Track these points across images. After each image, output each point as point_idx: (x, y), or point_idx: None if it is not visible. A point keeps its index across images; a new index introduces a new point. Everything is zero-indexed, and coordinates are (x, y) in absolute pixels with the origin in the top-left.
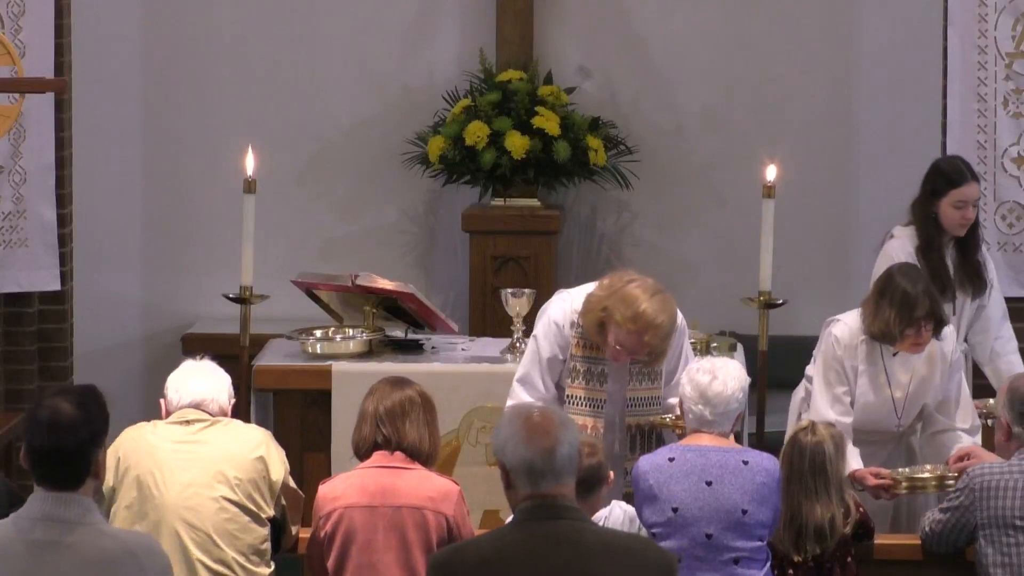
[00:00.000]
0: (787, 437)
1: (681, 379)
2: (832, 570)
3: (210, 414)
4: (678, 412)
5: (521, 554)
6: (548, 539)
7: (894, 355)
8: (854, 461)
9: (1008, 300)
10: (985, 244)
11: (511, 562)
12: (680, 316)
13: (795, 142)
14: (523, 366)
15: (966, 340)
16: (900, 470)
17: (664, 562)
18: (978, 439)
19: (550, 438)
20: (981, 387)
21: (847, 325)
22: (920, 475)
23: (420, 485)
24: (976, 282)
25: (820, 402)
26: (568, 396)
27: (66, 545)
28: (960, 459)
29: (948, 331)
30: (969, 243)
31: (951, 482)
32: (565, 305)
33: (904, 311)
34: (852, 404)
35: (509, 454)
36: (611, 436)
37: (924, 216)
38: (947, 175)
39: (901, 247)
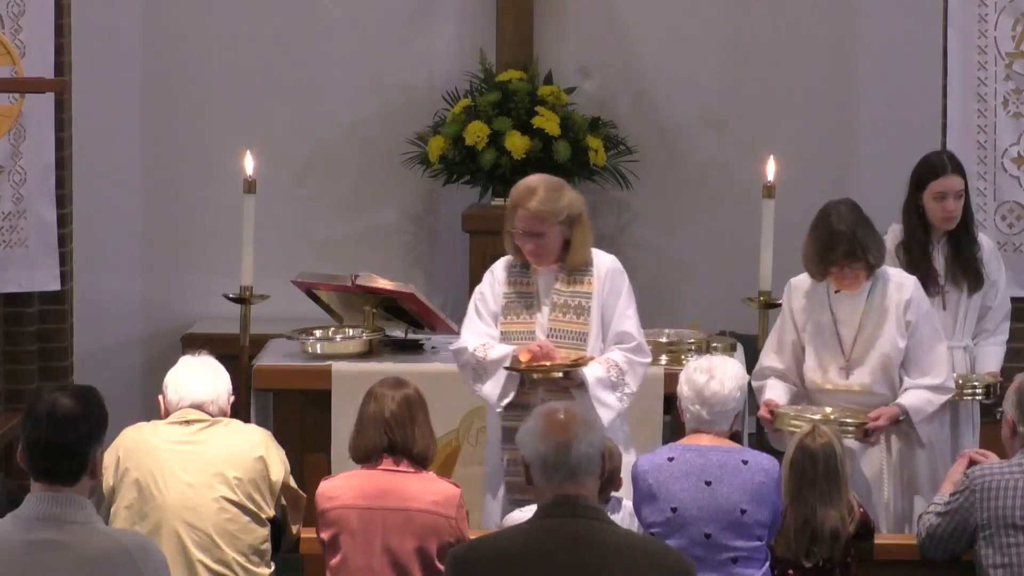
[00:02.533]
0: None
1: (679, 378)
2: (832, 571)
3: (210, 415)
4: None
5: (539, 550)
6: (567, 537)
7: (836, 292)
8: (771, 393)
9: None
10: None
11: (529, 558)
12: (617, 262)
13: (795, 142)
14: None
15: (972, 339)
16: (790, 406)
17: (682, 567)
18: (943, 398)
19: (567, 434)
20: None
21: (804, 273)
22: (807, 415)
23: (422, 488)
24: (971, 276)
25: (767, 346)
26: (502, 332)
27: (63, 544)
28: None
29: (905, 282)
30: (962, 237)
31: (847, 426)
32: (504, 259)
33: (825, 250)
34: (804, 352)
35: (527, 447)
36: None
37: (909, 210)
38: (930, 166)
39: (889, 242)
